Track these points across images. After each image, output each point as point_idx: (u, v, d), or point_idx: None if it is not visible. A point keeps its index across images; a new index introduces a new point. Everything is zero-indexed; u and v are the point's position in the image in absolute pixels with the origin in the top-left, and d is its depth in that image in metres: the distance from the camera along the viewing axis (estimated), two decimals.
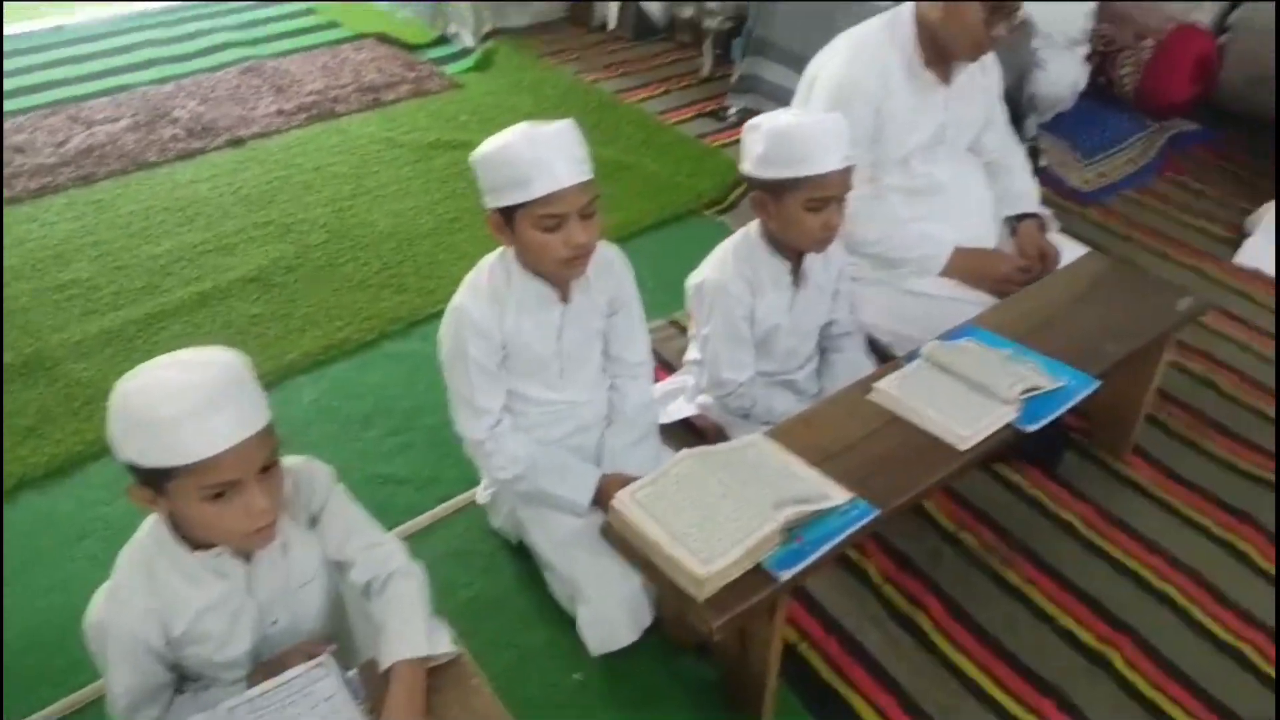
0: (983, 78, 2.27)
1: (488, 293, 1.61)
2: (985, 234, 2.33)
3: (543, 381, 1.70)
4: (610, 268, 1.69)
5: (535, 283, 1.60)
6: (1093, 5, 3.16)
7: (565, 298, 1.64)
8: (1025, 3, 2.03)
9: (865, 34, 2.15)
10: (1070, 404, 1.65)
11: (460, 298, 1.63)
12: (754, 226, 1.86)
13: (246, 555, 1.28)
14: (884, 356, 2.14)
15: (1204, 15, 3.52)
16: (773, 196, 1.74)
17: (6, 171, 3.19)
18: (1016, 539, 1.94)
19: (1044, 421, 1.61)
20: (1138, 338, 1.83)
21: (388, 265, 2.74)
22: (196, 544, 1.25)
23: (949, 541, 1.93)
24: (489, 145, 1.50)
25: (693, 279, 1.93)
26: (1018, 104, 3.13)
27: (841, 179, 1.70)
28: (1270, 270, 2.74)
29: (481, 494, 1.94)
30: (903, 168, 2.24)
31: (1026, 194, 2.38)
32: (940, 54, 2.12)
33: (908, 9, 2.15)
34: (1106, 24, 3.46)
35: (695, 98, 3.58)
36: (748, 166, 1.77)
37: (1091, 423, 2.15)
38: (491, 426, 1.67)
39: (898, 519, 1.52)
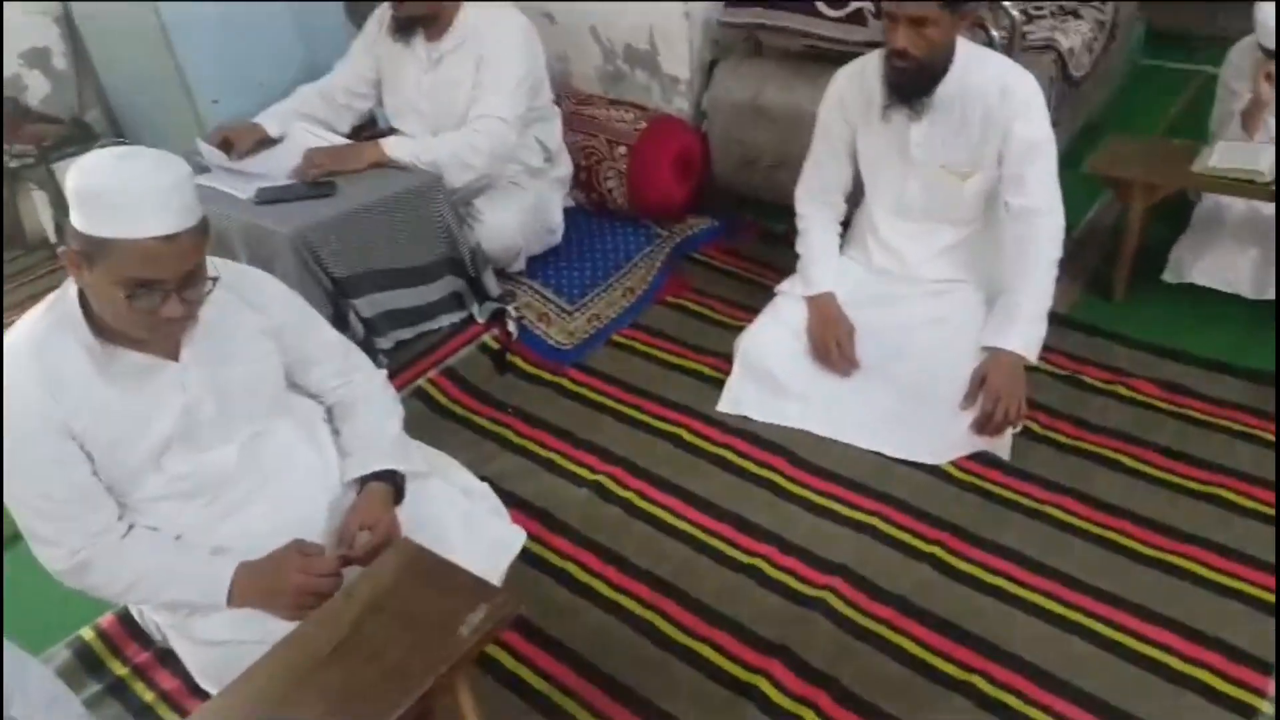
0: (253, 316, 1.71)
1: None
2: (315, 512, 1.77)
3: None
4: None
5: None
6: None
7: None
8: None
9: (16, 347, 1.54)
10: None
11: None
12: None
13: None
14: None
15: (683, 102, 3.17)
16: None
17: None
18: None
19: None
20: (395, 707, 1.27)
21: None
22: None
23: None
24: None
25: None
26: (463, 265, 2.63)
27: None
28: (756, 414, 2.31)
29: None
30: (157, 473, 1.64)
31: (373, 446, 1.81)
32: (128, 339, 1.54)
33: (72, 295, 1.56)
34: (582, 134, 3.05)
35: None
36: None
37: None
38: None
39: None
